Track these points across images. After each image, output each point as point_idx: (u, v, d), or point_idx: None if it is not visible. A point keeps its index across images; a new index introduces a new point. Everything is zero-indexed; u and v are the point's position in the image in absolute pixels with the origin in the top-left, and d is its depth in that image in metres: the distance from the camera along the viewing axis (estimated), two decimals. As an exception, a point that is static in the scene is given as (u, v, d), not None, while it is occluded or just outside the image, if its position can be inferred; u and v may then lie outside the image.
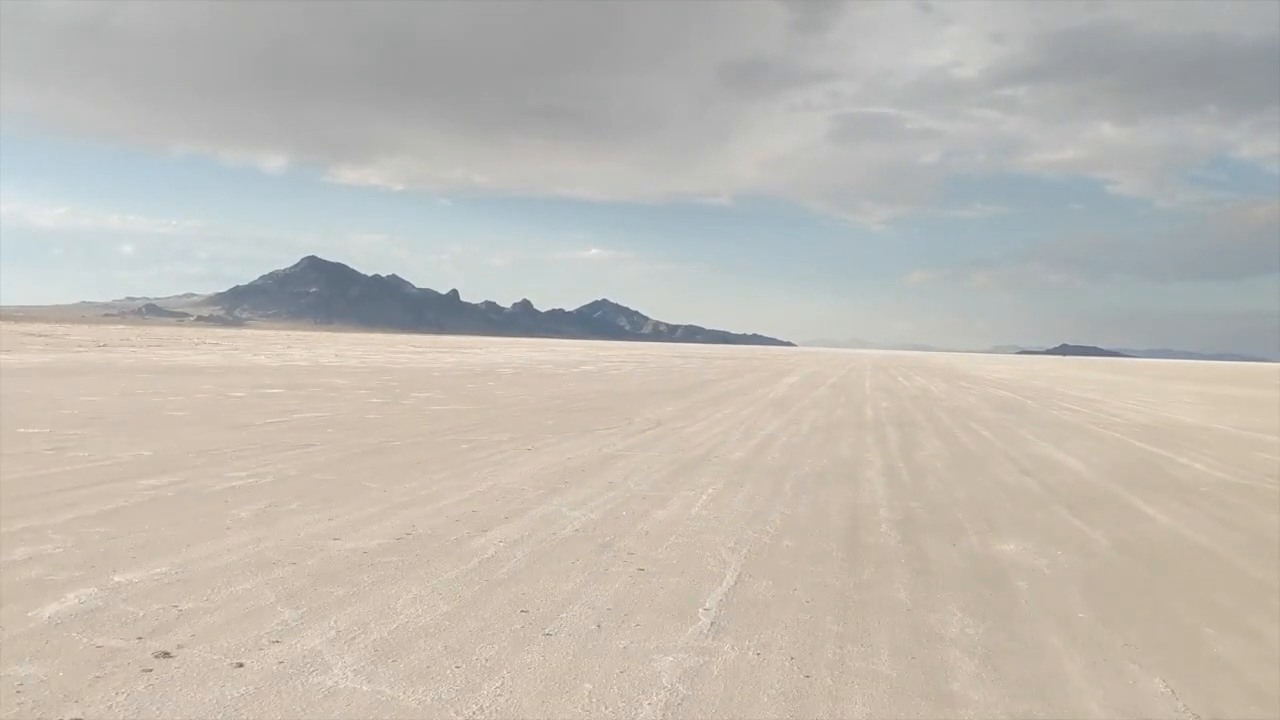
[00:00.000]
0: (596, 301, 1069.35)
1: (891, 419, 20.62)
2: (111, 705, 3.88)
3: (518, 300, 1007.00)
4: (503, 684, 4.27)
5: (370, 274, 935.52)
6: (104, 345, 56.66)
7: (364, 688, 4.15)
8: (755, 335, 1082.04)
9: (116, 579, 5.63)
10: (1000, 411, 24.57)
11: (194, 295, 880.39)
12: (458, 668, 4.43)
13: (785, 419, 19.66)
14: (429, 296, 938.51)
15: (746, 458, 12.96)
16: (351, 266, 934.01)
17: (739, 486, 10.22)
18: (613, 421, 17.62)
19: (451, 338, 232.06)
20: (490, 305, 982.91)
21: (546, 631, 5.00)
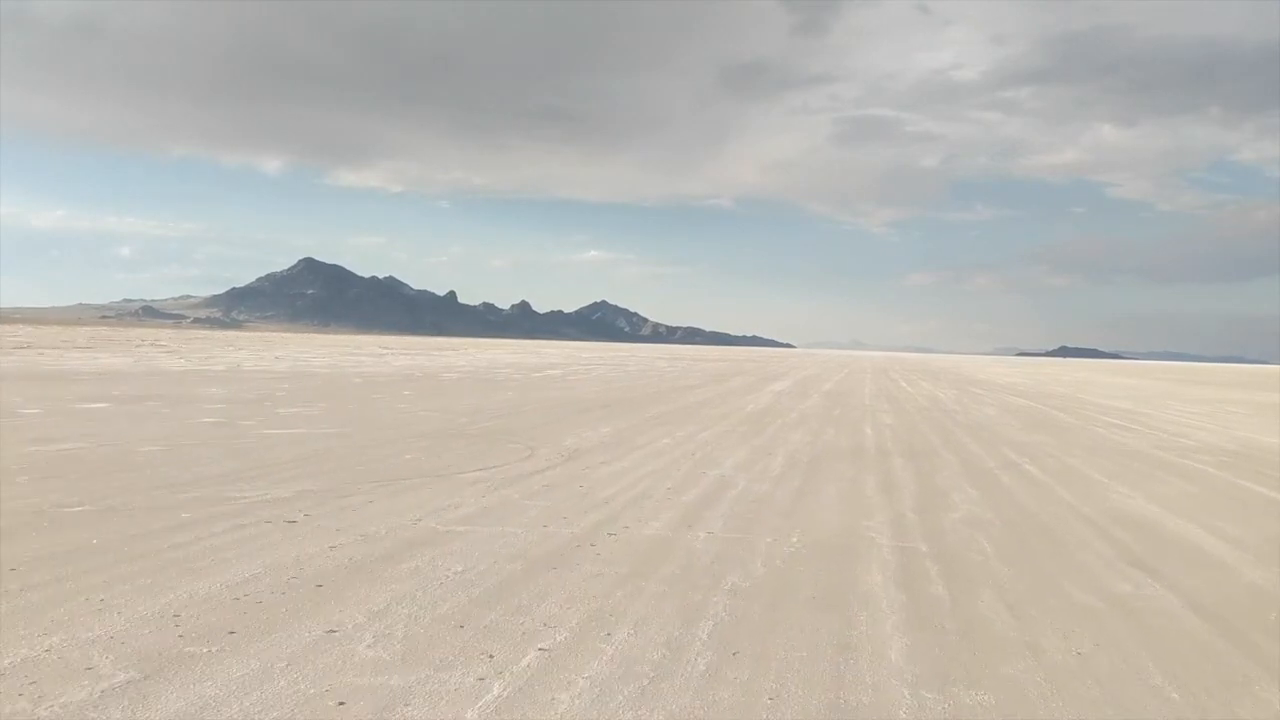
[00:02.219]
0: (596, 303, 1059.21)
1: (900, 445, 15.41)
2: None
3: (516, 302, 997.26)
4: None
5: (368, 276, 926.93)
6: (26, 347, 51.45)
7: None
8: (755, 337, 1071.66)
9: None
10: (1033, 430, 19.35)
11: (191, 297, 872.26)
12: None
13: (756, 445, 14.46)
14: (427, 298, 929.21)
15: (664, 534, 7.78)
16: (349, 268, 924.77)
17: (605, 637, 5.04)
18: (506, 454, 12.43)
19: (442, 339, 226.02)
20: (488, 307, 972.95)
21: None
